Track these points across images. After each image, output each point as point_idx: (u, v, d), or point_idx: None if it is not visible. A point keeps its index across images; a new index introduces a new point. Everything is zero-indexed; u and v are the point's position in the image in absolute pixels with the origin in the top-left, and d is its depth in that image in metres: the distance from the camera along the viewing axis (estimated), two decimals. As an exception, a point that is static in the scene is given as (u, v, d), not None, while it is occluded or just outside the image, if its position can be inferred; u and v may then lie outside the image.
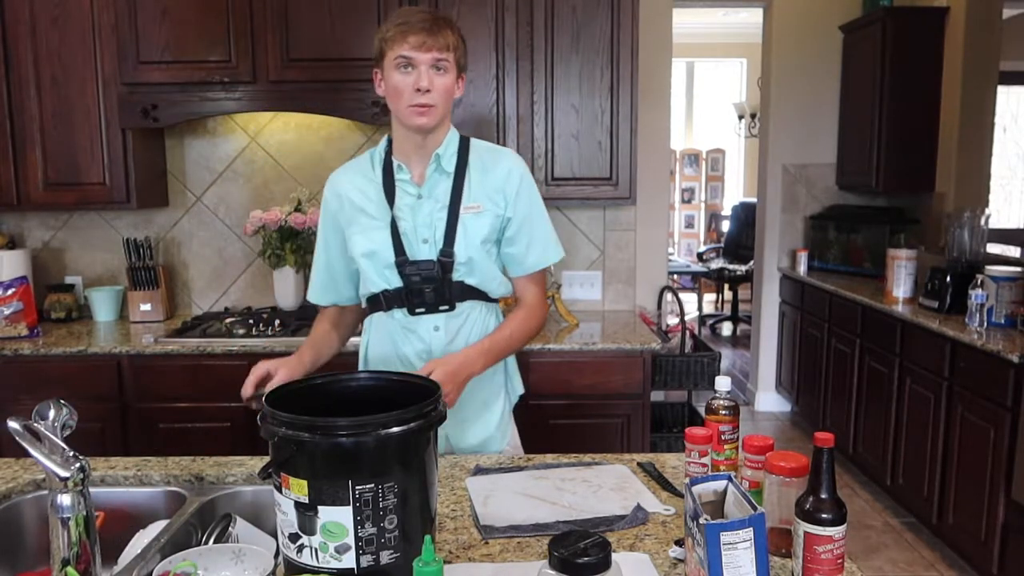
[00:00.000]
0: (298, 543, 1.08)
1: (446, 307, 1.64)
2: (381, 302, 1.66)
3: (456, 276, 1.63)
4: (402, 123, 1.60)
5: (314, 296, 1.80)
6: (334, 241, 1.73)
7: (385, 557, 1.08)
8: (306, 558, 1.07)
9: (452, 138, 1.66)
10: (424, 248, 1.62)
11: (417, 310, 1.64)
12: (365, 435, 1.06)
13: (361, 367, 1.75)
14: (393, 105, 1.59)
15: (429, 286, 1.62)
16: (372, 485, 1.06)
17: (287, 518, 1.08)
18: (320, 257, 1.76)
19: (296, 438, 1.06)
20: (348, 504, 1.05)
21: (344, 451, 1.06)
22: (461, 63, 1.59)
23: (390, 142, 1.68)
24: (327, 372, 1.30)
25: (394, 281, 1.63)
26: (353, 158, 1.81)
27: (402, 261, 1.61)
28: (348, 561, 1.06)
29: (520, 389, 1.82)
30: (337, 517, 1.05)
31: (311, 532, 1.06)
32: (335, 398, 1.25)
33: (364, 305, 1.74)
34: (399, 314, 1.65)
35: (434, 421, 1.14)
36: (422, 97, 1.53)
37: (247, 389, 1.52)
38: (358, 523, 1.06)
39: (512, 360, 1.78)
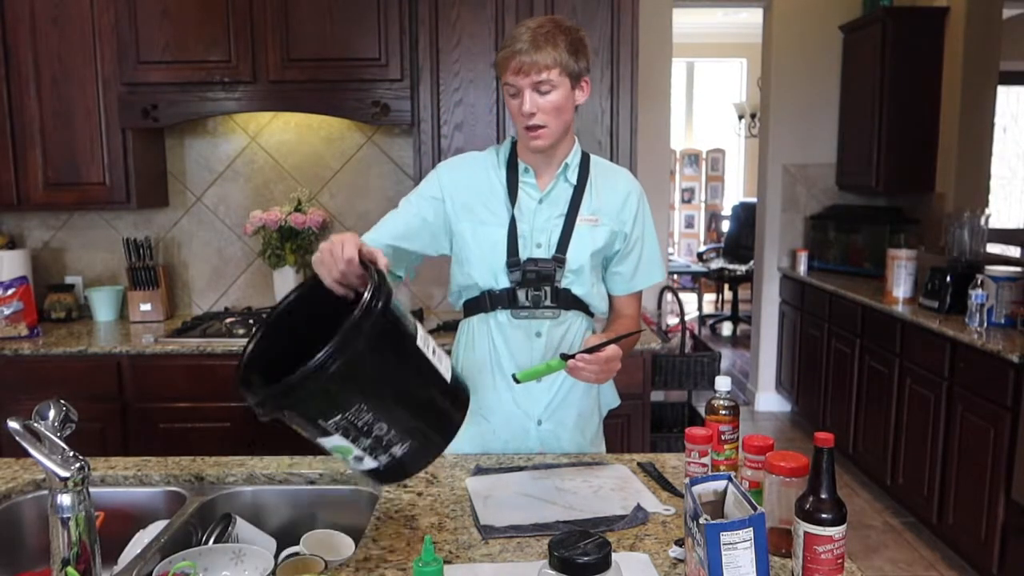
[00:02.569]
0: (341, 456, 1.19)
1: (551, 308, 1.62)
2: (485, 302, 1.63)
3: (564, 283, 1.62)
4: (522, 141, 1.61)
5: (380, 238, 1.59)
6: (431, 217, 1.63)
7: (399, 451, 1.17)
8: (338, 464, 1.22)
9: (576, 150, 1.66)
10: (538, 252, 1.61)
11: (522, 313, 1.62)
12: (300, 388, 1.07)
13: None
14: (513, 123, 1.60)
15: (540, 287, 1.61)
16: (338, 417, 1.12)
17: (312, 440, 1.18)
18: (401, 217, 1.63)
19: (263, 412, 1.12)
20: (331, 434, 1.13)
21: (296, 401, 1.10)
22: (574, 72, 1.54)
23: (515, 142, 1.67)
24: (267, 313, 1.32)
25: (502, 281, 1.62)
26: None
27: (515, 262, 1.60)
28: (369, 463, 1.18)
29: (614, 401, 1.80)
30: (335, 443, 1.15)
31: (328, 453, 1.20)
32: (300, 327, 1.25)
33: (459, 308, 1.72)
34: (502, 316, 1.63)
35: (371, 327, 1.10)
36: (530, 120, 1.53)
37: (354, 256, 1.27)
38: (354, 441, 1.14)
39: None
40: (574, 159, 1.64)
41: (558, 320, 1.63)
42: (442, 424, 1.24)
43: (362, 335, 1.09)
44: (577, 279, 1.63)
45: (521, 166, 1.64)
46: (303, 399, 1.09)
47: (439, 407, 1.24)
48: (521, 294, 1.61)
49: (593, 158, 1.70)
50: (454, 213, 1.64)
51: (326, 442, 1.15)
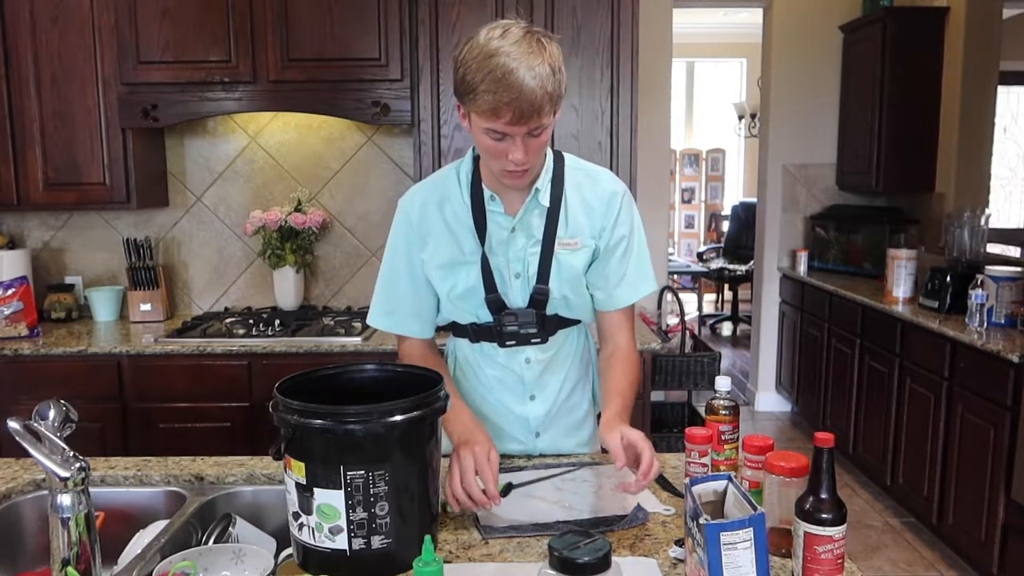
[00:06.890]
0: (299, 521, 1.15)
1: (539, 340, 1.54)
2: (469, 334, 1.56)
3: (551, 310, 1.53)
4: (493, 175, 1.45)
5: (394, 326, 1.57)
6: (419, 267, 1.53)
7: (376, 542, 1.13)
8: (305, 536, 1.15)
9: (548, 165, 1.49)
10: (516, 283, 1.50)
11: (508, 343, 1.54)
12: (355, 423, 1.10)
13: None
14: (482, 156, 1.42)
15: (525, 329, 1.52)
16: (362, 472, 1.10)
17: (291, 497, 1.15)
18: (402, 284, 1.54)
19: (293, 422, 1.11)
20: (340, 488, 1.10)
21: (336, 438, 1.11)
22: (560, 103, 1.35)
23: (476, 161, 1.49)
24: (338, 364, 1.34)
25: (484, 316, 1.52)
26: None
27: (494, 298, 1.49)
28: (341, 542, 1.13)
29: None
30: (330, 500, 1.11)
31: (309, 512, 1.13)
32: (345, 388, 1.29)
33: (445, 323, 1.61)
34: (488, 347, 1.56)
35: (428, 414, 1.16)
36: (515, 165, 1.35)
37: (493, 492, 1.29)
38: (349, 507, 1.11)
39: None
40: (545, 178, 1.47)
41: (546, 345, 1.56)
42: (414, 538, 1.15)
43: (434, 403, 1.18)
44: (565, 304, 1.54)
45: (487, 193, 1.47)
46: (353, 435, 1.10)
47: (428, 514, 1.21)
48: (506, 334, 1.53)
49: (569, 163, 1.53)
50: (422, 264, 1.53)
51: (319, 496, 1.11)
